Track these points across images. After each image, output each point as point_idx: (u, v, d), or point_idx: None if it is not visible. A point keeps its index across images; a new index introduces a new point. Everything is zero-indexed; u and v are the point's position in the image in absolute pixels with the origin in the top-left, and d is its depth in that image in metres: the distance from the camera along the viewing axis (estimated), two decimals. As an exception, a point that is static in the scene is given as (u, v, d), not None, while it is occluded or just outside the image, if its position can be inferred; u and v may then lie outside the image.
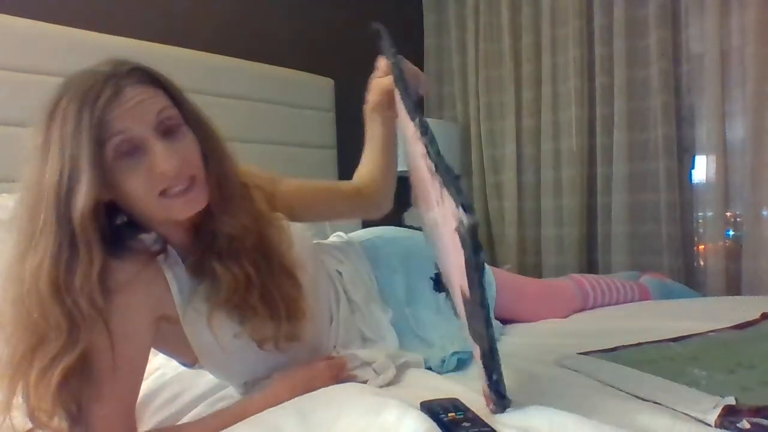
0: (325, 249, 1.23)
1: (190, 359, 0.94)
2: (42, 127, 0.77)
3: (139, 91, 0.78)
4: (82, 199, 0.73)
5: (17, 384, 0.74)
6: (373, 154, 1.25)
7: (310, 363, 0.93)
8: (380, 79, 1.12)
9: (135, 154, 0.77)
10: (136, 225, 0.86)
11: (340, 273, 1.17)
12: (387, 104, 1.09)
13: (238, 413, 0.83)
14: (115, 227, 0.84)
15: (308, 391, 0.84)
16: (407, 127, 0.81)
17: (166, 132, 0.79)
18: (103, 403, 0.78)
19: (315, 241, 1.23)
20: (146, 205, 0.80)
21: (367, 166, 1.25)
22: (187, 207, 0.82)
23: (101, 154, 0.75)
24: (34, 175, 0.76)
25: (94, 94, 0.75)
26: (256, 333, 0.87)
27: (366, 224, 1.61)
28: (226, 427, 0.79)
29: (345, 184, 1.25)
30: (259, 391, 0.90)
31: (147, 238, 0.87)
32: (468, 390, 0.81)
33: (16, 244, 0.77)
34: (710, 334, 1.08)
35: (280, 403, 0.81)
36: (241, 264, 0.86)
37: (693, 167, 2.24)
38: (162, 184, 0.78)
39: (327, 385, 0.87)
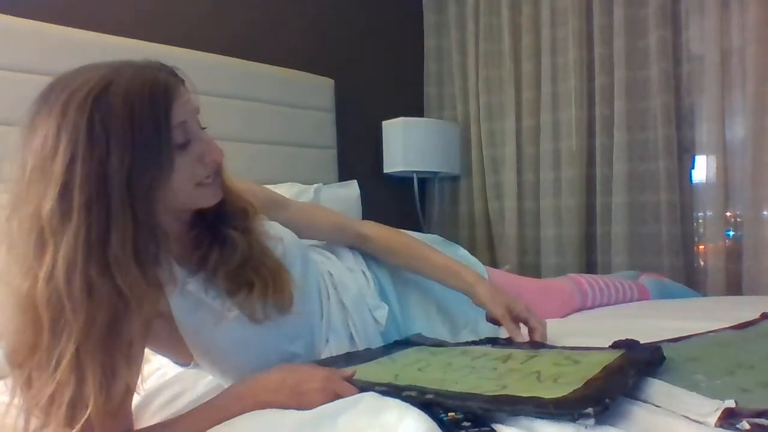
0: (316, 249, 1.25)
1: (184, 358, 0.95)
2: (85, 112, 0.74)
3: (186, 89, 0.86)
4: (159, 180, 0.78)
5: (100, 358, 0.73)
6: (417, 263, 1.26)
7: (307, 366, 0.84)
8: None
9: (186, 145, 0.83)
10: None
11: (330, 273, 1.17)
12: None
13: (222, 407, 0.82)
14: None
15: (294, 395, 0.77)
16: None
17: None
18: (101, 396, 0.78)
19: (308, 243, 1.24)
20: (183, 192, 0.84)
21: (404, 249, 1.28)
22: (216, 194, 0.90)
23: (171, 140, 0.80)
24: (89, 162, 0.73)
25: (163, 86, 0.80)
26: (246, 306, 0.91)
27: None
28: (214, 420, 0.79)
29: (353, 227, 1.29)
30: (242, 382, 0.86)
31: None
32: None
33: (85, 232, 0.73)
34: (710, 334, 1.08)
35: (265, 395, 0.80)
36: (246, 235, 0.94)
37: (693, 167, 2.24)
38: (207, 171, 0.86)
39: (320, 403, 0.75)
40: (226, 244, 0.92)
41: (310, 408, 0.74)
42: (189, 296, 0.89)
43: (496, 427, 0.64)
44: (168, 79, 0.82)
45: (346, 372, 0.81)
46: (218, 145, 0.88)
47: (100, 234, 0.73)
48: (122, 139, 0.75)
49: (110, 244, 0.74)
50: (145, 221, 0.77)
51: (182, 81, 0.86)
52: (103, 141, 0.74)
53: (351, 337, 1.11)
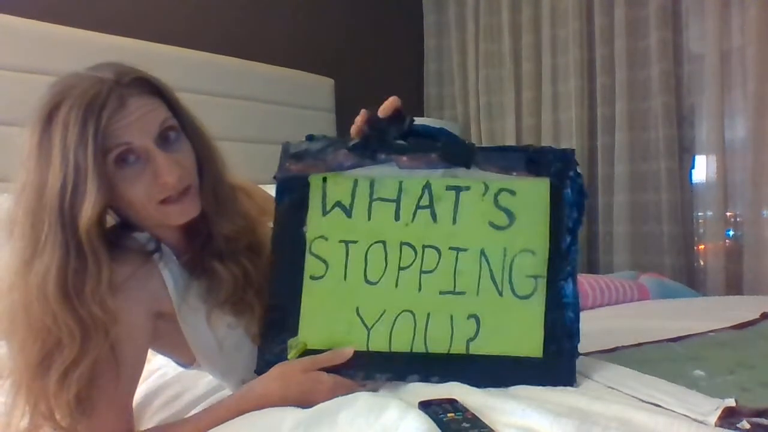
0: None
1: (187, 359, 0.94)
2: (39, 129, 0.76)
3: (142, 102, 0.79)
4: (89, 208, 0.74)
5: (36, 390, 0.74)
6: None
7: (314, 374, 0.81)
8: None
9: (137, 164, 0.78)
10: (128, 225, 0.87)
11: None
12: None
13: (232, 409, 0.82)
14: (109, 228, 0.85)
15: (302, 401, 0.78)
16: None
17: (166, 141, 0.81)
18: (104, 402, 0.78)
19: None
20: (145, 210, 0.81)
21: None
22: (182, 214, 0.84)
23: (104, 163, 0.76)
24: (35, 179, 0.76)
25: (99, 104, 0.75)
26: (250, 328, 0.89)
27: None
28: (218, 423, 0.80)
29: None
30: (248, 387, 0.85)
31: (140, 237, 0.87)
32: (467, 391, 0.81)
33: (21, 251, 0.76)
34: (710, 334, 1.08)
35: (271, 401, 0.80)
36: (239, 263, 0.89)
37: (693, 167, 2.25)
38: (164, 194, 0.80)
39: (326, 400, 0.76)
40: (213, 277, 0.87)
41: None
42: (193, 305, 0.88)
43: (495, 426, 0.64)
44: (110, 94, 0.76)
45: (348, 382, 0.81)
46: (173, 166, 0.79)
47: (28, 259, 0.75)
48: (57, 157, 0.74)
49: (32, 272, 0.74)
50: (76, 245, 0.75)
51: (141, 92, 0.79)
52: (46, 158, 0.75)
53: None
